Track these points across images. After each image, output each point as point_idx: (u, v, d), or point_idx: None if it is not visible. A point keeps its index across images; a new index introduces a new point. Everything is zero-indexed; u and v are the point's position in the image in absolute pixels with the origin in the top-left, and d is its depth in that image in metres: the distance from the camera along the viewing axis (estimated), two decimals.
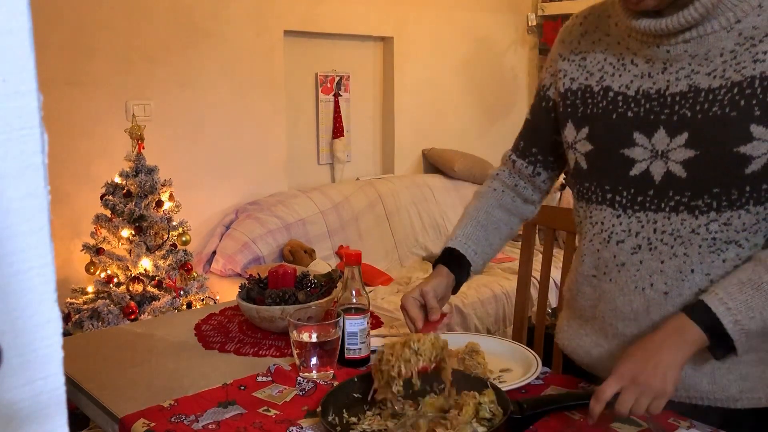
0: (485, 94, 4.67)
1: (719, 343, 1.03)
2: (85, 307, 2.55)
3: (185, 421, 1.11)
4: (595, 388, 1.05)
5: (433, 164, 4.33)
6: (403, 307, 1.28)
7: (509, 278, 3.33)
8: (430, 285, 1.28)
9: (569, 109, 1.22)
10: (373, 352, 1.36)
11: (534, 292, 2.38)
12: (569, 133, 1.22)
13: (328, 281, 1.55)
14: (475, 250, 1.35)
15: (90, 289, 2.67)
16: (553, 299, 3.08)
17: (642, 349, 1.04)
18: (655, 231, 1.11)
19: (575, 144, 1.21)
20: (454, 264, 1.33)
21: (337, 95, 3.91)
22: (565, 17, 5.13)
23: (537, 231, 2.04)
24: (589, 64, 1.20)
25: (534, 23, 4.81)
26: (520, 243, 1.96)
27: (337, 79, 3.91)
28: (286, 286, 1.52)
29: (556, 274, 2.93)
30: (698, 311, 1.03)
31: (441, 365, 1.11)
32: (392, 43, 4.08)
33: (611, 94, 1.15)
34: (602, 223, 1.18)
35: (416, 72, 4.21)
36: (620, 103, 1.13)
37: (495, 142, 4.78)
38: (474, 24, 4.49)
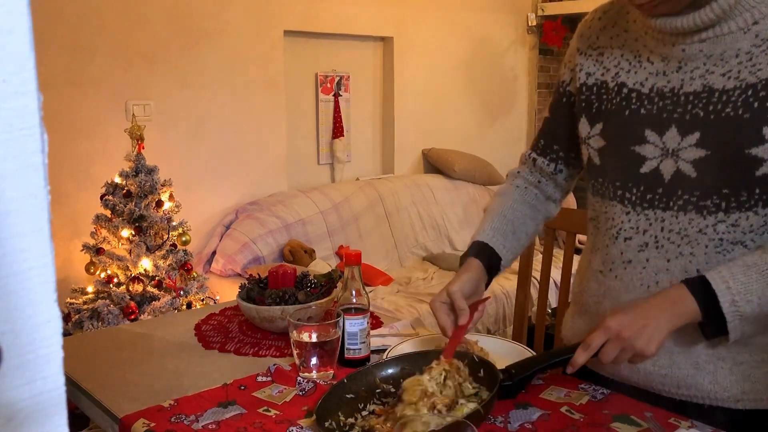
0: (485, 94, 4.67)
1: (712, 321, 1.03)
2: (85, 307, 2.54)
3: (185, 421, 1.11)
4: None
5: (433, 164, 4.33)
6: (433, 313, 1.21)
7: (509, 278, 3.33)
8: (456, 285, 1.20)
9: (583, 104, 1.22)
10: (374, 352, 1.36)
11: (534, 292, 2.38)
12: (583, 128, 1.22)
13: (328, 281, 1.55)
14: (503, 244, 1.29)
15: (90, 289, 2.67)
16: (553, 299, 3.08)
17: (635, 309, 1.06)
18: (662, 229, 1.11)
19: (588, 139, 1.21)
20: (483, 256, 1.26)
21: (337, 95, 3.91)
22: (565, 17, 5.11)
23: None
24: (606, 59, 1.19)
25: (534, 23, 4.81)
26: None
27: (337, 79, 3.91)
28: (286, 286, 1.52)
29: (556, 274, 2.93)
30: (698, 285, 1.04)
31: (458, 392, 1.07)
32: (392, 43, 4.08)
33: (625, 90, 1.15)
34: (612, 219, 1.18)
35: (416, 72, 4.21)
36: (634, 100, 1.13)
37: (495, 142, 4.78)
38: (474, 24, 4.49)
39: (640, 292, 1.15)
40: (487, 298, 1.26)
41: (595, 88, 1.20)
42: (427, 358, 1.17)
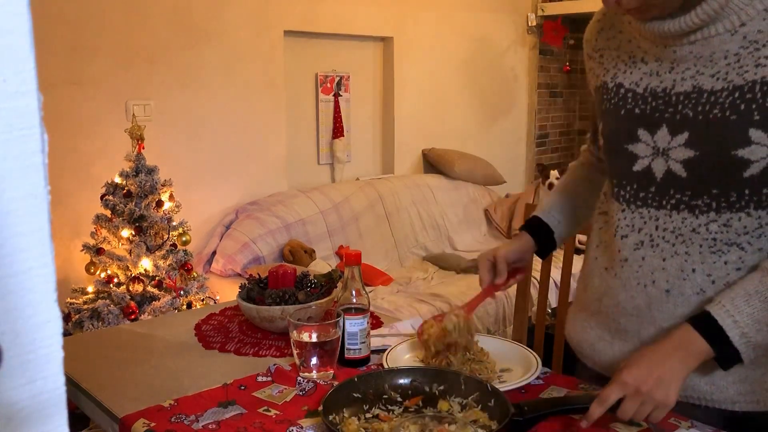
0: (485, 94, 4.67)
1: (725, 354, 1.03)
2: (85, 307, 2.54)
3: (185, 421, 1.11)
4: (597, 392, 1.06)
5: (433, 164, 4.33)
6: (479, 266, 1.37)
7: None
8: (503, 249, 1.35)
9: (596, 106, 1.25)
10: (373, 352, 1.36)
11: (534, 292, 2.38)
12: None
13: (328, 281, 1.55)
14: (558, 219, 1.41)
15: (90, 289, 2.67)
16: (553, 299, 3.08)
17: (647, 359, 1.05)
18: (657, 228, 1.12)
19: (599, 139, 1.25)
20: (534, 230, 1.40)
21: (337, 95, 3.91)
22: (565, 17, 5.12)
23: None
24: (605, 60, 1.22)
25: (534, 23, 4.81)
26: None
27: (337, 79, 3.91)
28: (286, 286, 1.52)
29: (556, 274, 2.93)
30: (704, 323, 1.03)
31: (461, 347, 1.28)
32: (392, 43, 4.08)
33: (622, 90, 1.16)
34: (612, 216, 1.20)
35: (416, 72, 4.21)
36: (629, 100, 1.15)
37: (495, 142, 4.79)
38: (474, 24, 4.49)
39: (637, 291, 1.15)
40: (523, 273, 1.40)
41: (600, 89, 1.22)
42: (442, 375, 1.18)
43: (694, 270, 1.09)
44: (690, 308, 1.10)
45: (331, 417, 1.06)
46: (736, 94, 1.02)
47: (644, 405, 1.02)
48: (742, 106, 1.01)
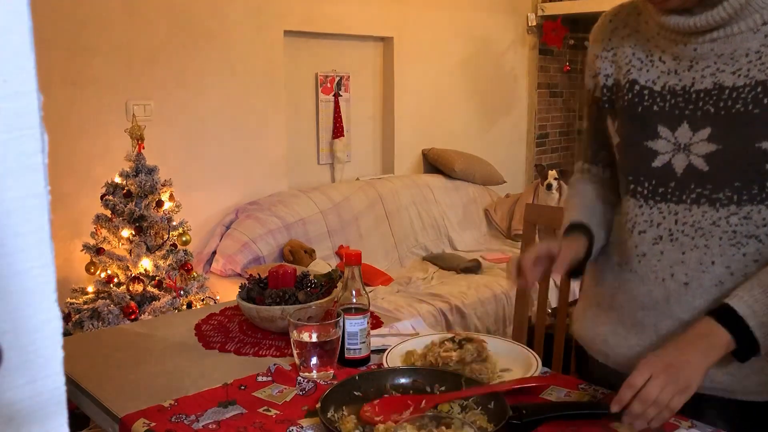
0: (485, 94, 4.67)
1: (744, 345, 1.04)
2: (85, 307, 2.54)
3: (185, 421, 1.11)
4: (601, 395, 1.05)
5: (433, 164, 4.33)
6: (524, 256, 1.18)
7: None
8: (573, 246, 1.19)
9: (606, 105, 1.25)
10: (374, 352, 1.36)
11: (534, 292, 2.38)
12: (610, 127, 1.25)
13: (328, 281, 1.55)
14: (595, 225, 1.26)
15: (90, 289, 2.67)
16: (553, 299, 3.08)
17: (673, 346, 1.05)
18: (676, 222, 1.14)
19: (612, 137, 1.24)
20: (586, 233, 1.24)
21: (337, 95, 3.91)
22: (565, 17, 5.10)
23: (537, 230, 2.04)
24: (619, 58, 1.22)
25: (534, 23, 4.81)
26: (519, 243, 1.96)
27: (337, 79, 3.91)
28: (286, 286, 1.52)
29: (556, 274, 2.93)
30: (725, 315, 1.04)
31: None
32: (392, 43, 4.08)
33: (637, 87, 1.17)
34: (627, 213, 1.21)
35: (416, 72, 4.21)
36: (646, 97, 1.16)
37: (495, 142, 4.78)
38: (474, 24, 4.49)
39: (655, 284, 1.16)
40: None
41: (614, 88, 1.23)
42: (442, 376, 1.18)
43: (713, 262, 1.11)
44: (708, 299, 1.11)
45: (329, 414, 1.06)
46: (759, 89, 1.05)
47: (670, 385, 0.98)
48: (765, 101, 1.04)
